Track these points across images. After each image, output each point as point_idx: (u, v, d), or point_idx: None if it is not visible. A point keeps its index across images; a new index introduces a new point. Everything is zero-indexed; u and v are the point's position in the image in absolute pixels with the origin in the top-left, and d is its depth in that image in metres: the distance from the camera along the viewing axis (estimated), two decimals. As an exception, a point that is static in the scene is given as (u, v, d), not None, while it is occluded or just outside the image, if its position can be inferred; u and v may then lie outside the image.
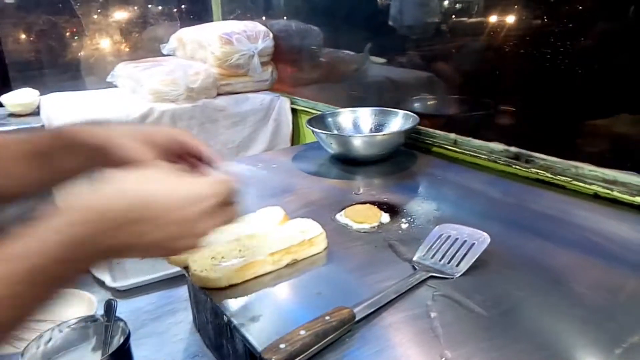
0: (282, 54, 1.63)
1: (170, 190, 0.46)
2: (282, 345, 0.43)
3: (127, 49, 1.99)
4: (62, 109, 1.42)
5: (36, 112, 1.54)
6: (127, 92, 1.58)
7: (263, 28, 1.56)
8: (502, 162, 0.93)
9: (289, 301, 0.57)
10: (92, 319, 0.75)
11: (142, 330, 1.01)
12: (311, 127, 1.03)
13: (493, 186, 0.88)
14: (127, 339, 0.70)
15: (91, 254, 0.42)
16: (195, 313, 0.99)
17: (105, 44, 1.98)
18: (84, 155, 0.59)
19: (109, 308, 0.74)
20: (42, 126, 1.41)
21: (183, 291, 1.12)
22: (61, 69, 1.92)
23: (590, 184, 0.79)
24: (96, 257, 0.43)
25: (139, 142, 0.58)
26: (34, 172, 0.59)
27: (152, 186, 0.46)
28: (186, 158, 0.62)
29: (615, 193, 0.76)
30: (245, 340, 0.50)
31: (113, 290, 1.12)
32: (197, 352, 0.93)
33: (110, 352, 0.68)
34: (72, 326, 0.74)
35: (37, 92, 1.57)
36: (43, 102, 1.55)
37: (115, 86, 1.67)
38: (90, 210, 0.42)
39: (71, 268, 0.42)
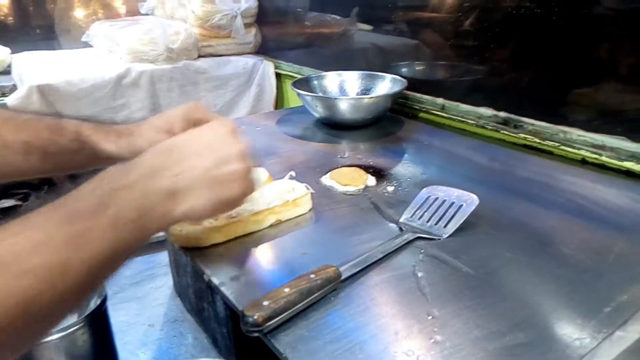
0: (266, 15, 1.58)
1: (195, 136, 0.47)
2: (265, 303, 0.42)
3: (104, 8, 1.90)
4: (35, 68, 1.35)
5: (7, 71, 1.47)
6: (103, 52, 1.51)
7: (246, -13, 1.50)
8: (490, 128, 0.91)
9: (273, 261, 0.55)
10: (67, 280, 0.72)
11: (121, 295, 0.99)
12: (296, 89, 1.00)
13: (480, 152, 0.86)
14: (103, 301, 0.68)
15: (132, 204, 0.39)
16: (175, 277, 0.97)
17: (80, 2, 1.89)
18: (95, 160, 0.59)
19: (85, 270, 0.71)
20: (14, 85, 1.35)
21: (163, 256, 1.10)
22: (34, 28, 1.83)
23: (579, 149, 0.78)
24: (144, 211, 0.40)
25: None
26: (34, 163, 0.58)
27: (179, 138, 0.47)
28: None
29: (603, 158, 0.75)
30: (226, 299, 0.48)
31: (90, 254, 1.09)
32: (177, 317, 0.92)
33: (85, 314, 0.66)
34: (46, 288, 0.72)
35: (7, 49, 1.50)
36: (15, 60, 1.48)
37: (91, 46, 1.61)
38: (121, 167, 0.42)
39: (124, 224, 0.38)
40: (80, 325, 0.64)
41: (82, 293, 0.37)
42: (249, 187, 0.48)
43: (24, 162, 0.57)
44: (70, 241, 0.35)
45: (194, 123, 0.61)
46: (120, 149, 0.59)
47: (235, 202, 0.47)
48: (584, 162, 0.78)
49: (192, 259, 0.55)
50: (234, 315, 0.70)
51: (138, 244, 0.41)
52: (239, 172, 0.46)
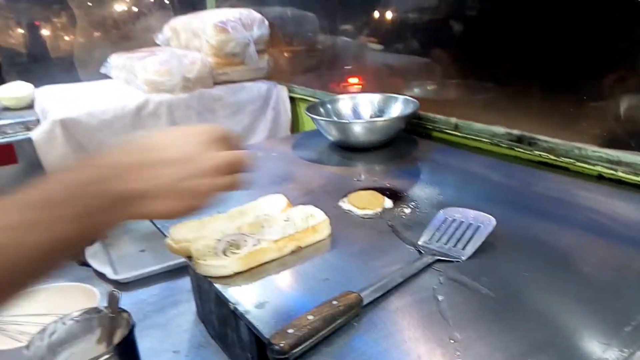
0: (278, 41, 1.62)
1: (174, 140, 0.48)
2: (290, 331, 0.43)
3: (120, 40, 1.96)
4: (57, 102, 1.40)
5: (31, 106, 1.52)
6: (122, 83, 1.56)
7: (258, 15, 1.54)
8: (504, 145, 0.92)
9: (295, 288, 0.56)
10: (95, 310, 0.74)
11: (145, 322, 1.01)
12: (310, 115, 1.02)
13: (496, 170, 0.87)
14: (131, 330, 0.70)
15: (99, 200, 0.41)
16: (198, 303, 0.99)
17: (97, 35, 1.95)
18: None
19: (112, 299, 0.73)
20: (37, 120, 1.40)
21: (185, 282, 1.12)
22: (54, 62, 1.90)
23: (594, 164, 0.78)
24: (108, 207, 0.42)
25: None
26: None
27: (158, 137, 0.48)
28: None
29: (619, 173, 0.75)
30: (252, 327, 0.49)
31: (115, 282, 1.12)
32: (201, 343, 0.93)
33: (115, 343, 0.68)
34: (76, 318, 0.74)
35: (31, 85, 1.56)
36: (37, 95, 1.53)
37: (109, 77, 1.65)
38: (92, 160, 0.44)
39: (82, 217, 0.40)
40: (110, 355, 0.65)
41: (17, 280, 0.39)
42: (211, 199, 0.48)
43: None
44: (33, 224, 0.37)
45: None
46: None
47: (195, 212, 0.48)
48: (600, 178, 0.78)
49: (217, 288, 0.56)
50: (258, 341, 0.71)
51: (86, 242, 0.45)
52: (206, 188, 0.47)
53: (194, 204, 0.47)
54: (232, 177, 0.49)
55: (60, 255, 0.41)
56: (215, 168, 0.47)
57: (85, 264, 1.21)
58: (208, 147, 0.48)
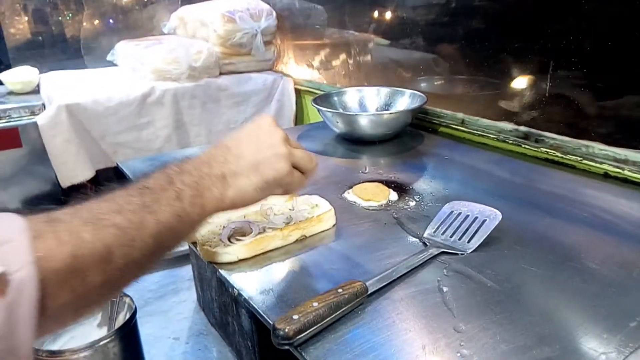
0: (285, 33, 1.61)
1: (245, 131, 0.55)
2: (295, 317, 0.43)
3: (127, 28, 1.96)
4: (63, 87, 1.40)
5: (36, 90, 1.53)
6: (128, 71, 1.56)
7: (266, 6, 1.53)
8: (511, 142, 0.92)
9: (299, 276, 0.56)
10: (97, 294, 0.74)
11: (146, 309, 1.01)
12: (317, 106, 1.02)
13: (502, 166, 0.87)
14: (133, 315, 0.70)
15: (186, 186, 0.46)
16: (199, 292, 0.99)
17: (104, 22, 1.95)
18: None
19: (115, 284, 0.73)
20: (43, 105, 1.40)
21: (186, 270, 1.12)
22: (61, 48, 1.90)
23: (601, 163, 0.78)
24: (196, 193, 0.47)
25: None
26: None
27: (232, 135, 0.55)
28: None
29: (626, 172, 0.75)
30: (256, 313, 0.49)
31: (116, 268, 1.12)
32: (201, 330, 0.94)
33: (116, 327, 0.68)
34: (78, 302, 0.74)
35: (36, 70, 1.56)
36: (43, 80, 1.53)
37: (116, 65, 1.65)
38: (182, 160, 0.50)
39: (175, 200, 0.45)
40: (111, 338, 0.66)
41: (151, 256, 0.43)
42: (293, 167, 0.54)
43: None
44: (145, 206, 0.42)
45: None
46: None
47: (281, 181, 0.53)
48: (606, 176, 0.78)
49: (221, 274, 0.56)
50: (259, 329, 0.71)
51: (198, 219, 0.48)
52: (282, 154, 0.52)
53: (274, 173, 0.52)
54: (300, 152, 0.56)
55: (167, 238, 0.44)
56: (285, 138, 0.54)
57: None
58: (275, 128, 0.55)
